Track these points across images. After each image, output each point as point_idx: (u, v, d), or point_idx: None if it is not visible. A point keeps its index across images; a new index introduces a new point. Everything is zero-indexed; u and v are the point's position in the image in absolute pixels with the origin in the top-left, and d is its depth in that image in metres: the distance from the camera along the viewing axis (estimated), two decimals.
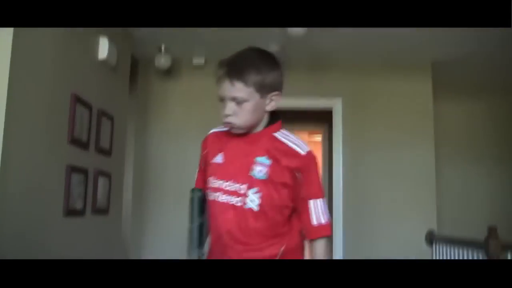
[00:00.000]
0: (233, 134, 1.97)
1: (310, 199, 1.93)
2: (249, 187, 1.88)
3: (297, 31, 4.23)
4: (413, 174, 5.44)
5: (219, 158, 1.98)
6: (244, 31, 4.65)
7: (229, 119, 1.90)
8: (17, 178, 2.74)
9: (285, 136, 1.97)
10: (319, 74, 5.64)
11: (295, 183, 1.90)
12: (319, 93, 5.62)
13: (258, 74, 1.87)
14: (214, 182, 1.95)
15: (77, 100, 3.46)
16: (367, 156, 5.50)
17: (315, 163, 1.97)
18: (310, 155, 1.94)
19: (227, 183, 1.91)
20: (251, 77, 1.86)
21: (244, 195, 1.88)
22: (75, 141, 3.46)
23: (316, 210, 1.92)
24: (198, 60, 5.31)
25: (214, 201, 1.94)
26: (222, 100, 1.91)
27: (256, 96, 1.88)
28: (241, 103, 1.87)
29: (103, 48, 3.90)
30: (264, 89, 1.89)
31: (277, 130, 1.98)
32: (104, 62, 3.94)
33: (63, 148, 3.32)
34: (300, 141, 1.96)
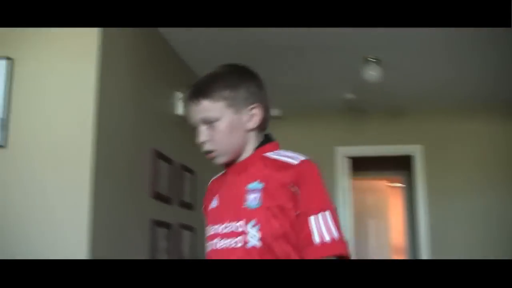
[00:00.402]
0: (228, 172, 1.69)
1: (311, 214, 1.51)
2: (247, 221, 1.54)
3: (373, 77, 4.19)
4: (500, 219, 5.21)
5: (214, 203, 1.69)
6: (319, 79, 4.68)
7: (206, 147, 1.62)
8: (103, 233, 2.79)
9: (278, 153, 1.62)
10: (397, 120, 5.55)
11: (295, 203, 1.54)
12: (397, 140, 5.54)
13: (226, 86, 1.60)
14: (210, 230, 1.64)
15: (158, 155, 3.54)
16: (450, 203, 5.34)
17: (314, 172, 1.56)
18: (305, 164, 1.55)
19: (223, 225, 1.59)
20: (217, 91, 1.59)
21: (244, 233, 1.54)
22: (158, 196, 3.51)
23: (318, 226, 1.50)
24: (276, 112, 5.33)
25: (211, 250, 1.62)
26: (194, 128, 1.65)
27: (229, 112, 1.59)
28: (213, 123, 1.60)
29: (180, 103, 3.99)
30: (236, 103, 1.60)
31: (270, 151, 1.64)
32: (181, 117, 4.02)
33: (147, 203, 3.38)
34: (295, 154, 1.59)
